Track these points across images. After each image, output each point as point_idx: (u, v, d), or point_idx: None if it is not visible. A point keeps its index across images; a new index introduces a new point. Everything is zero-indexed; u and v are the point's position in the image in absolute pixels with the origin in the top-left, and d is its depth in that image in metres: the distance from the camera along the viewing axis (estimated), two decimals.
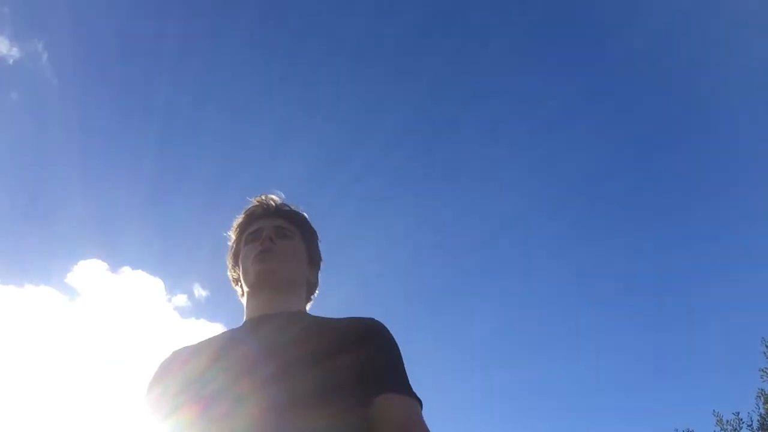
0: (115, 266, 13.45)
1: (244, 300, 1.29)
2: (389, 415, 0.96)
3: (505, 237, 15.51)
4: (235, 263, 1.34)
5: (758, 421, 11.01)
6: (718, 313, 16.66)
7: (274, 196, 1.38)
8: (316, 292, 1.36)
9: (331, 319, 1.17)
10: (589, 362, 17.27)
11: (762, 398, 11.07)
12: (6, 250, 12.87)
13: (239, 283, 1.32)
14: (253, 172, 13.89)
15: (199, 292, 13.60)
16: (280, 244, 1.27)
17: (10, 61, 10.68)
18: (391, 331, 1.13)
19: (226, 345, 1.13)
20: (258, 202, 1.36)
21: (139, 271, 13.11)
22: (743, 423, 11.08)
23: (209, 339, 1.19)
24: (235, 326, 1.21)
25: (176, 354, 1.19)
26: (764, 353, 11.30)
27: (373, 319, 1.14)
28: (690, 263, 16.58)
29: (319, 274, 1.37)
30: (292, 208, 1.37)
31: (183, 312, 17.74)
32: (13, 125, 11.18)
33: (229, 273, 1.38)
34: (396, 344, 1.11)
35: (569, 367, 16.35)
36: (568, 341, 17.16)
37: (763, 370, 11.20)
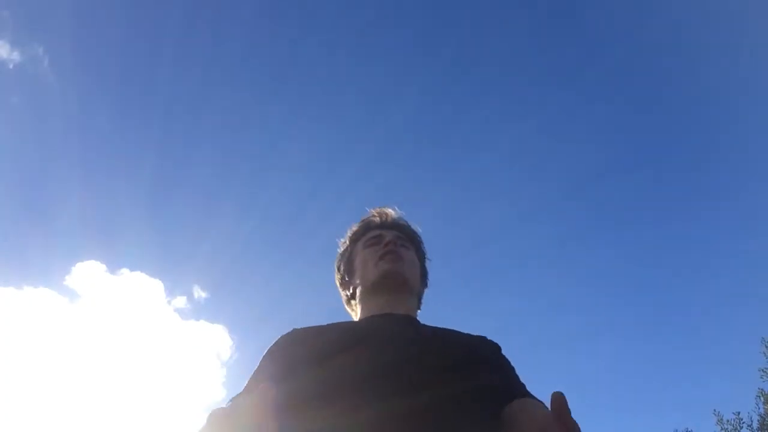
0: (113, 268, 13.45)
1: (354, 304, 1.28)
2: (533, 406, 0.95)
3: (506, 236, 15.52)
4: (349, 267, 1.33)
5: (758, 421, 11.02)
6: (718, 313, 16.66)
7: (391, 210, 1.40)
8: (420, 309, 1.35)
9: (447, 329, 1.16)
10: (588, 362, 17.28)
11: (762, 398, 11.07)
12: (5, 252, 12.86)
13: (350, 287, 1.31)
14: (253, 173, 13.91)
15: (199, 293, 13.60)
16: (402, 251, 1.28)
17: (11, 66, 10.68)
18: None
19: (355, 338, 1.06)
20: (377, 213, 1.39)
21: (138, 272, 13.11)
22: (743, 423, 11.09)
23: (332, 325, 1.15)
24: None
25: (300, 332, 1.13)
26: (764, 353, 11.31)
27: (486, 337, 1.17)
28: (690, 263, 16.59)
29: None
30: (409, 223, 1.39)
31: (183, 314, 17.75)
32: (13, 129, 11.18)
33: (337, 277, 1.38)
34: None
35: (569, 366, 16.34)
36: (567, 341, 17.17)
37: (763, 370, 11.21)
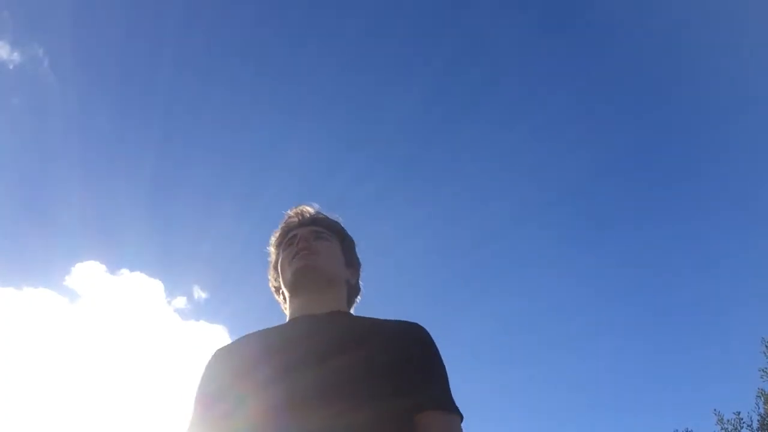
0: (113, 268, 13.45)
1: (286, 307, 1.30)
2: (434, 429, 0.97)
3: (508, 236, 15.51)
4: (276, 273, 1.35)
5: (758, 420, 11.02)
6: (718, 313, 16.66)
7: (308, 207, 1.41)
8: (359, 296, 1.37)
9: (375, 320, 1.17)
10: (588, 362, 17.28)
11: (762, 398, 11.07)
12: (5, 252, 12.86)
13: (280, 291, 1.34)
14: (253, 173, 13.92)
15: (199, 294, 13.60)
16: (316, 244, 1.29)
17: (11, 66, 10.68)
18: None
19: (269, 345, 1.13)
20: (294, 213, 1.40)
21: (138, 273, 13.11)
22: (743, 423, 11.09)
23: (249, 336, 1.19)
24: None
25: (220, 352, 1.19)
26: (764, 353, 11.31)
27: (417, 324, 1.14)
28: (690, 263, 16.59)
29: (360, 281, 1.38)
30: (327, 215, 1.40)
31: (183, 314, 17.74)
32: (14, 130, 11.18)
33: (270, 284, 1.40)
34: (438, 352, 1.11)
35: (569, 366, 16.36)
36: (567, 341, 17.16)
37: (763, 370, 11.21)
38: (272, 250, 1.40)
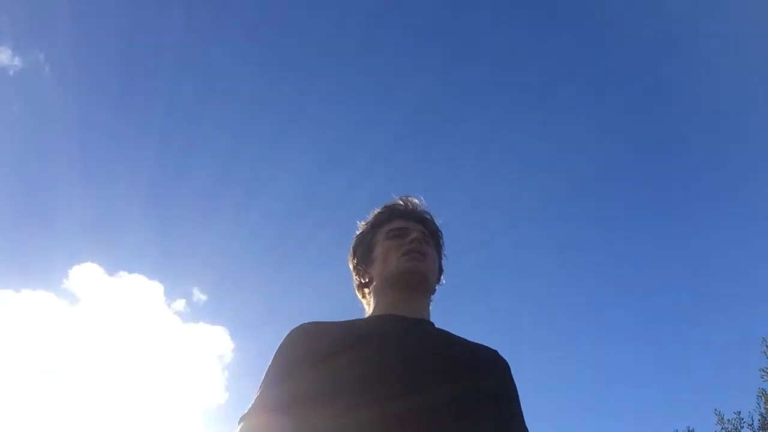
0: (112, 270, 13.43)
1: (367, 292, 1.26)
2: None
3: (508, 236, 15.52)
4: (368, 255, 1.30)
5: (759, 420, 11.02)
6: (719, 313, 16.66)
7: (416, 200, 1.36)
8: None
9: (462, 338, 1.16)
10: (588, 361, 17.27)
11: (763, 398, 11.07)
12: (3, 255, 12.84)
13: (365, 276, 1.29)
14: (253, 174, 13.92)
15: (198, 296, 13.59)
16: (427, 250, 1.26)
17: (11, 72, 10.69)
18: None
19: (366, 334, 1.08)
20: (402, 201, 1.35)
21: (137, 275, 13.09)
22: (744, 422, 11.09)
23: (344, 323, 1.15)
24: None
25: (312, 326, 1.13)
26: (764, 353, 11.31)
27: (498, 353, 1.16)
28: (690, 263, 16.60)
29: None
30: (433, 218, 1.36)
31: (183, 316, 17.74)
32: (14, 135, 11.19)
33: (350, 261, 1.34)
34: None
35: (569, 366, 16.35)
36: (567, 340, 17.17)
37: (763, 369, 11.20)
38: (368, 228, 1.34)
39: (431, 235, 1.33)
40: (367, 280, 1.29)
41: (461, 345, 1.13)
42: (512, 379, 1.12)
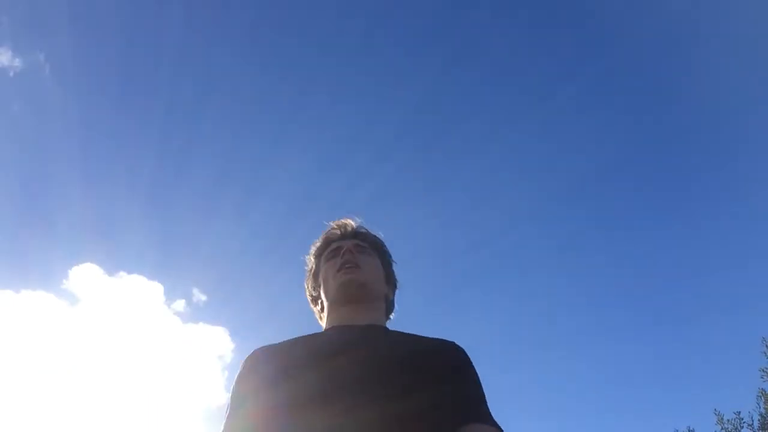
0: (112, 271, 13.44)
1: (324, 316, 1.31)
2: None
3: (508, 236, 15.52)
4: (315, 283, 1.37)
5: (759, 420, 11.03)
6: (719, 313, 16.67)
7: (350, 220, 1.44)
8: (393, 313, 1.39)
9: (415, 335, 1.18)
10: (588, 361, 17.27)
11: (762, 398, 11.08)
12: (3, 255, 12.85)
13: (319, 302, 1.35)
14: (253, 175, 13.92)
15: (198, 296, 13.59)
16: (361, 258, 1.31)
17: (11, 74, 10.69)
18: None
19: (312, 349, 1.13)
20: (336, 225, 1.43)
21: (137, 275, 13.09)
22: (744, 422, 11.09)
23: (293, 341, 1.19)
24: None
25: (262, 351, 1.19)
26: (764, 353, 11.31)
27: (455, 343, 1.17)
28: (690, 263, 16.60)
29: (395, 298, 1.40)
30: (369, 231, 1.43)
31: (183, 317, 17.73)
32: (14, 136, 11.19)
33: (307, 294, 1.42)
34: (476, 371, 1.14)
35: (569, 366, 16.36)
36: (567, 341, 17.17)
37: (763, 369, 11.21)
38: (312, 260, 1.42)
39: (370, 245, 1.39)
40: (320, 306, 1.35)
41: (415, 349, 1.14)
42: (468, 364, 1.13)
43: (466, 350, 1.16)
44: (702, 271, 16.42)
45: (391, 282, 1.39)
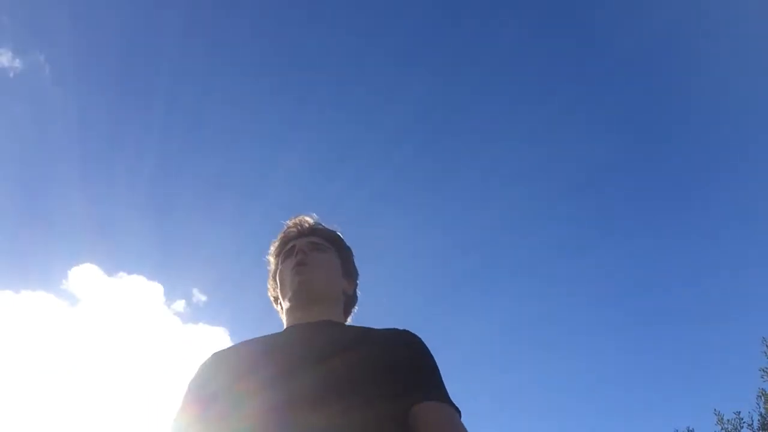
0: (112, 271, 13.45)
1: (283, 317, 1.32)
2: (429, 418, 0.97)
3: (508, 236, 15.52)
4: (275, 283, 1.38)
5: (759, 420, 11.02)
6: (719, 313, 16.67)
7: (307, 218, 1.43)
8: (356, 306, 1.40)
9: (369, 328, 1.19)
10: (588, 361, 17.28)
11: (762, 398, 11.07)
12: (3, 255, 12.85)
13: (279, 302, 1.36)
14: (253, 176, 13.93)
15: (198, 297, 13.59)
16: (314, 256, 1.31)
17: (11, 74, 10.70)
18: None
19: (266, 349, 1.14)
20: (293, 224, 1.42)
21: (137, 276, 13.10)
22: (744, 422, 11.09)
23: (248, 342, 1.21)
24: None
25: (217, 354, 1.20)
26: (764, 353, 11.31)
27: (408, 330, 1.17)
28: (690, 263, 16.60)
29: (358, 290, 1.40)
30: (326, 226, 1.43)
31: (183, 317, 17.74)
32: (14, 136, 11.20)
33: (269, 293, 1.42)
34: (432, 356, 1.13)
35: (569, 366, 16.35)
36: (567, 341, 17.17)
37: (763, 369, 11.21)
38: (271, 260, 1.43)
39: (326, 240, 1.39)
40: (280, 306, 1.35)
41: (367, 341, 1.14)
42: (424, 351, 1.13)
43: (420, 337, 1.16)
44: (702, 272, 16.43)
45: (350, 275, 1.39)
